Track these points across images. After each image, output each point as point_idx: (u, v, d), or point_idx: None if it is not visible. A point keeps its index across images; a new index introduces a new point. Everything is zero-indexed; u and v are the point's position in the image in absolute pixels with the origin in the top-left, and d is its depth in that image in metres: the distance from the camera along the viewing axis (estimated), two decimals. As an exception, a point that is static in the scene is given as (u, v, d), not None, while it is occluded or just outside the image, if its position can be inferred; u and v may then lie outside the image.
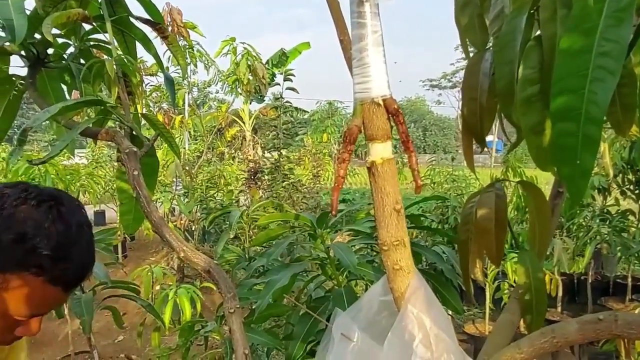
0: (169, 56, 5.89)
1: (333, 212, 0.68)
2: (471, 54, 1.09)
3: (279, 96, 7.25)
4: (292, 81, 6.76)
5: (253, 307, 1.35)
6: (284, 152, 7.57)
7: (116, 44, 1.13)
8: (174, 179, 6.39)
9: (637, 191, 4.57)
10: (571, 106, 0.64)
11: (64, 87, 1.23)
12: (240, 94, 8.40)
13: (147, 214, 1.00)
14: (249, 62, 7.47)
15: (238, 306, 1.00)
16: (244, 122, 9.57)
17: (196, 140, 9.92)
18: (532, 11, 0.87)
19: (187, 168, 6.48)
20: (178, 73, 7.22)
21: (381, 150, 0.67)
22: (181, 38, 6.15)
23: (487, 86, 1.01)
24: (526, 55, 0.86)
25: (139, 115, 1.16)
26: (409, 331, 0.65)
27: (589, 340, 0.68)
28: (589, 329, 0.65)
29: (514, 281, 3.49)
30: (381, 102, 0.67)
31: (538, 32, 0.85)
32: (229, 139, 10.55)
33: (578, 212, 4.38)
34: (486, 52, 1.04)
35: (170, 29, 6.12)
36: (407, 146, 0.67)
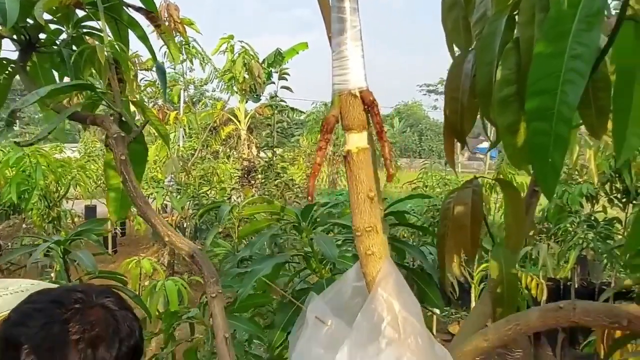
0: (165, 52, 5.90)
1: (309, 198, 0.71)
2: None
3: (274, 95, 7.27)
4: (287, 80, 6.79)
5: (237, 296, 1.37)
6: (278, 151, 7.58)
7: (108, 30, 1.15)
8: (170, 175, 6.40)
9: (624, 199, 4.63)
10: (545, 106, 0.67)
11: (56, 73, 1.25)
12: (236, 92, 8.41)
13: (134, 199, 1.02)
14: (245, 61, 7.49)
15: (220, 291, 1.02)
16: (239, 121, 9.58)
17: (191, 137, 9.93)
18: (513, 14, 0.90)
19: (181, 163, 6.48)
20: (173, 69, 7.23)
21: (357, 140, 0.70)
22: (177, 34, 6.16)
23: (468, 86, 1.03)
24: (504, 56, 0.88)
25: (129, 102, 1.18)
26: (378, 313, 0.68)
27: (550, 327, 0.71)
28: (550, 317, 0.68)
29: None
30: (358, 94, 0.70)
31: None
32: (223, 137, 10.55)
33: (565, 217, 4.44)
34: (469, 54, 1.07)
35: (167, 24, 6.12)
36: (380, 136, 0.70)
